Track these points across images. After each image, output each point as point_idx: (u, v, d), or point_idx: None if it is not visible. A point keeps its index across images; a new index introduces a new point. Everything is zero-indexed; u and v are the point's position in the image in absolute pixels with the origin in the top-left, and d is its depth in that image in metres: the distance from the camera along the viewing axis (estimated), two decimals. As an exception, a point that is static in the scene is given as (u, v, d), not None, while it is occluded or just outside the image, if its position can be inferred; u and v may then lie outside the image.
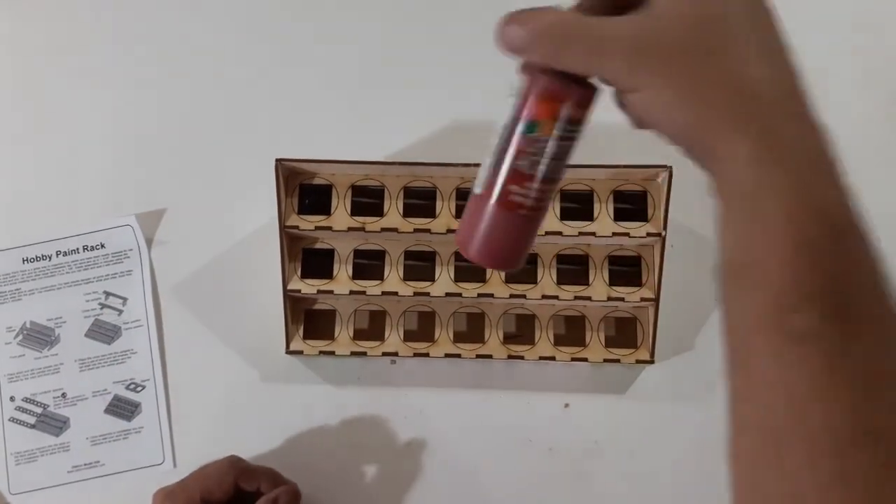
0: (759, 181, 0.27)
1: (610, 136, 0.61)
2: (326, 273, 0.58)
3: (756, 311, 0.27)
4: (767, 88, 0.28)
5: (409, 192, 0.58)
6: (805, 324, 0.26)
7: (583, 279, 0.58)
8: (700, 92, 0.28)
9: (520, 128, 0.28)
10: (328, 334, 0.59)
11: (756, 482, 0.27)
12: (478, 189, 0.29)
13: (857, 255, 0.27)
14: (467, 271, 0.58)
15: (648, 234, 0.56)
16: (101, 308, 0.62)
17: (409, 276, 0.58)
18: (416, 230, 0.56)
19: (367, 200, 0.58)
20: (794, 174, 0.26)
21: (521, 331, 0.59)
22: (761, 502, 0.27)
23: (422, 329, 0.60)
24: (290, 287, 0.57)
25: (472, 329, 0.59)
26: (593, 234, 0.56)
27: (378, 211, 0.57)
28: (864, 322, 0.26)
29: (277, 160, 0.55)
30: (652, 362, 0.57)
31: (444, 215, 0.57)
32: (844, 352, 0.26)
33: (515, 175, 0.28)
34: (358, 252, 0.59)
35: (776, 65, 0.28)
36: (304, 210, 0.58)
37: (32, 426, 0.60)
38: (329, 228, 0.57)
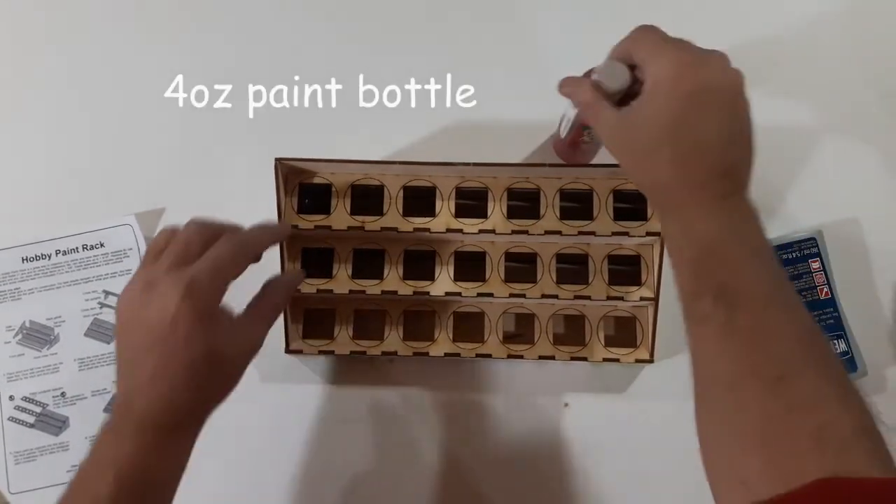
0: (665, 228, 0.45)
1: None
2: (326, 272, 0.58)
3: (681, 301, 0.42)
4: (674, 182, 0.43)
5: (408, 192, 0.57)
6: (702, 310, 0.40)
7: (582, 278, 0.58)
8: (649, 182, 0.44)
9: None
10: (328, 334, 0.59)
11: (702, 409, 0.42)
12: (562, 135, 0.57)
13: (731, 261, 0.40)
14: (467, 271, 0.58)
15: (648, 234, 0.56)
16: (101, 307, 0.62)
17: (408, 275, 0.58)
18: (415, 229, 0.56)
19: (367, 200, 0.58)
20: (682, 221, 0.42)
21: (521, 330, 0.59)
22: (713, 421, 0.41)
23: (421, 328, 0.60)
24: (289, 286, 0.57)
25: (471, 328, 0.59)
26: (593, 233, 0.56)
27: (377, 210, 0.57)
28: (743, 301, 0.39)
29: (277, 159, 0.55)
30: (651, 361, 0.57)
31: (444, 214, 0.57)
32: (731, 324, 0.39)
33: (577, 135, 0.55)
34: (357, 251, 0.59)
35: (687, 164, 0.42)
36: (303, 209, 0.58)
37: (32, 425, 0.60)
38: (328, 228, 0.57)
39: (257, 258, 0.47)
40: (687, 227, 0.42)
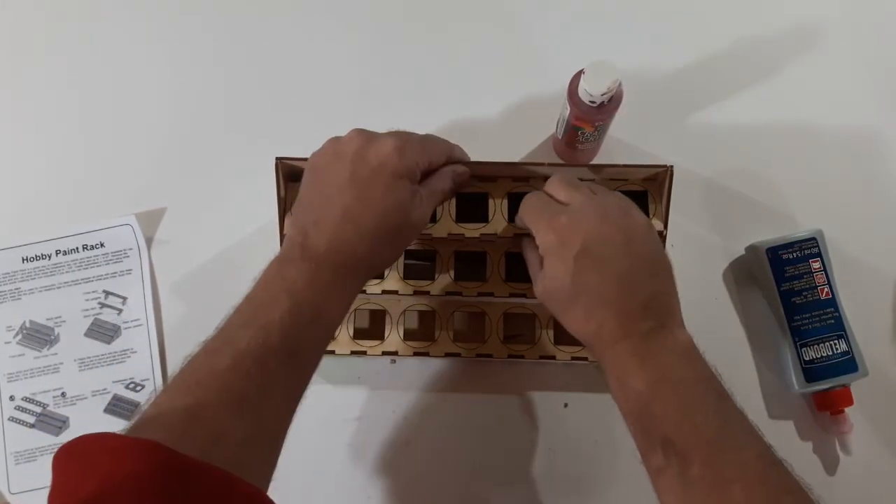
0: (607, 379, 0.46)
1: (611, 137, 0.61)
2: (326, 272, 0.58)
3: (638, 449, 0.44)
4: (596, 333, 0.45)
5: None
6: (655, 463, 0.41)
7: (583, 278, 0.57)
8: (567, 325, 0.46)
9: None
10: (328, 334, 0.59)
11: None
12: (559, 136, 0.59)
13: (668, 415, 0.41)
14: (467, 271, 0.58)
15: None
16: (101, 307, 0.62)
17: (409, 275, 0.58)
18: (416, 234, 0.56)
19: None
20: (613, 376, 0.45)
21: (521, 330, 0.59)
22: None
23: (422, 328, 0.60)
24: (289, 286, 0.57)
25: (472, 328, 0.59)
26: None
27: (378, 210, 0.57)
28: (691, 451, 0.40)
29: (277, 159, 0.55)
30: (652, 362, 0.57)
31: (445, 220, 0.56)
32: (686, 475, 0.40)
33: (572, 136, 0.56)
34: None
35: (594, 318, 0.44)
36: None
37: (32, 426, 0.60)
38: (329, 228, 0.56)
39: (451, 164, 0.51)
40: (619, 382, 0.43)
